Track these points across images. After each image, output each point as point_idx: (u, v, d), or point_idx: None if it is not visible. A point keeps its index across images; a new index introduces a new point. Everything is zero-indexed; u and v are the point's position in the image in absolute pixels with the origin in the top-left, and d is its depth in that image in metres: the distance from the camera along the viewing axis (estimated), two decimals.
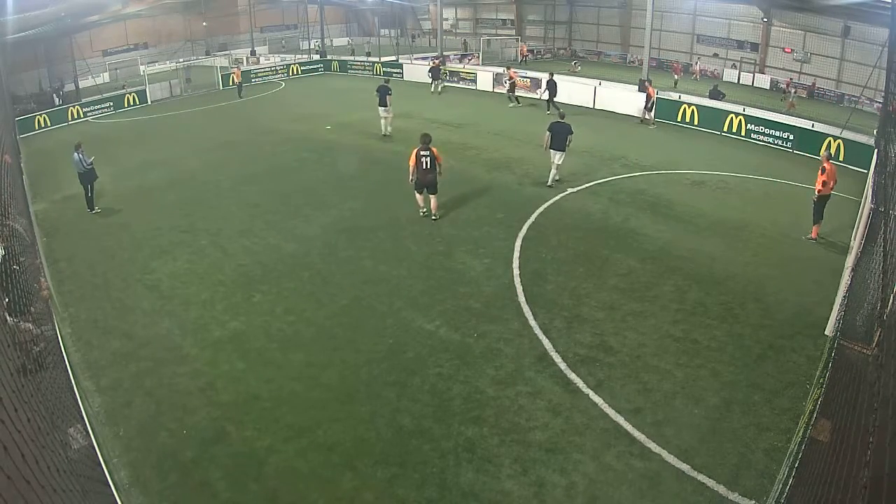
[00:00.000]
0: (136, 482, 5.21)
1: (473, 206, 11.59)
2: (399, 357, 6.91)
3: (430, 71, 26.52)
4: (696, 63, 34.26)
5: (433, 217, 10.87)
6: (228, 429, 5.83)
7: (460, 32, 48.94)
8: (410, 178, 10.61)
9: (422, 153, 10.37)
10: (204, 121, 21.93)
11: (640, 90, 20.02)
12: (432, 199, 10.74)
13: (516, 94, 22.74)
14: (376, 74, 31.49)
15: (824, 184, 9.51)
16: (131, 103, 25.47)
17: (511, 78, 23.35)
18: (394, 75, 30.63)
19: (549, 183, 12.50)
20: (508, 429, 5.73)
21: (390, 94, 17.26)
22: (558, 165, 12.35)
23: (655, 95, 18.81)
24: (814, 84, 29.82)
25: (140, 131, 20.67)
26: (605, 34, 42.64)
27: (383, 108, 17.30)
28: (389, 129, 17.62)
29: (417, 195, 10.84)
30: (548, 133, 12.10)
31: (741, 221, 10.63)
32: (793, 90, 22.72)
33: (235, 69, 28.92)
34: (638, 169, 13.89)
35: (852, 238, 7.32)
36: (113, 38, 40.11)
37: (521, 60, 36.51)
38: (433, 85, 25.86)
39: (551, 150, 12.17)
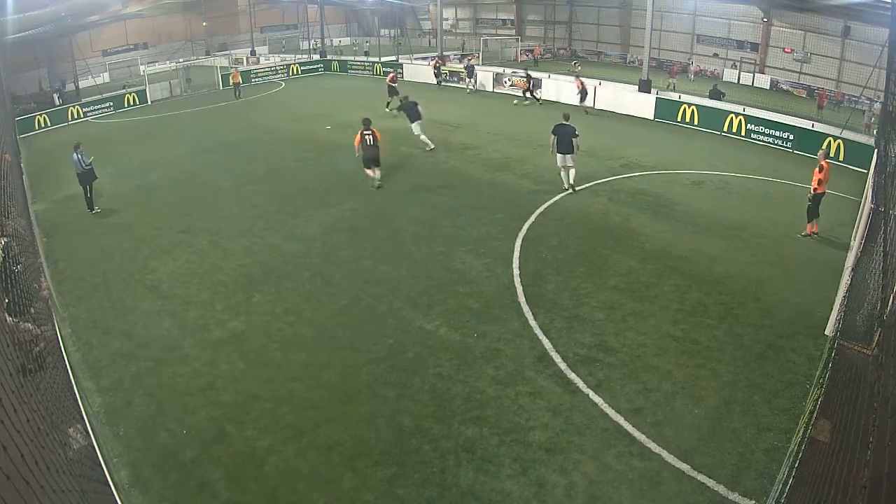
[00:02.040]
0: (136, 482, 5.21)
1: (473, 206, 11.59)
2: (399, 357, 6.91)
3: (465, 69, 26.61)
4: (692, 63, 34.54)
5: (378, 184, 12.70)
6: (228, 429, 5.83)
7: (460, 32, 48.96)
8: (357, 153, 12.55)
9: (365, 133, 12.41)
10: (204, 121, 21.93)
11: (641, 90, 20.06)
12: (377, 170, 12.73)
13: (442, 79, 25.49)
14: (376, 74, 31.51)
15: (820, 182, 9.58)
16: (131, 103, 25.49)
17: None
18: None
19: (566, 186, 12.16)
20: (508, 429, 5.73)
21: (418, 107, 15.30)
22: (571, 168, 11.97)
23: (582, 86, 20.64)
24: (839, 92, 26.77)
25: (140, 131, 20.67)
26: (605, 34, 42.64)
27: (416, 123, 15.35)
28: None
29: (367, 171, 12.74)
30: (553, 136, 11.86)
31: (741, 221, 10.62)
32: (870, 111, 19.39)
33: (234, 70, 28.88)
34: (638, 169, 13.89)
35: (852, 238, 7.32)
36: (113, 38, 40.14)
37: (534, 60, 37.97)
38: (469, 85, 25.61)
39: (559, 154, 11.92)
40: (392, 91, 21.32)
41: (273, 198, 12.45)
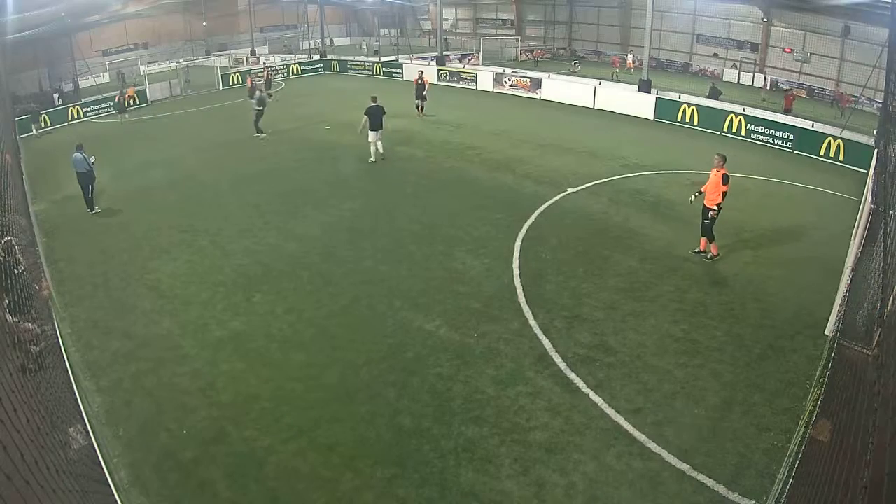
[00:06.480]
0: (136, 482, 5.21)
1: (473, 206, 11.59)
2: (399, 357, 6.91)
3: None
4: (630, 55, 35.78)
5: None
6: (228, 429, 5.83)
7: (460, 32, 48.96)
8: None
9: (127, 93, 18.18)
10: (204, 121, 21.93)
11: (641, 90, 20.05)
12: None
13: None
14: (376, 74, 31.51)
15: (725, 194, 8.72)
16: (131, 103, 25.42)
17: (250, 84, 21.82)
18: (394, 75, 30.69)
19: (373, 159, 14.26)
20: (508, 429, 5.73)
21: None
22: (380, 141, 14.15)
23: (250, 85, 21.46)
24: (848, 97, 24.98)
25: (140, 131, 20.67)
26: (605, 34, 42.64)
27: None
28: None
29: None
30: (365, 116, 13.74)
31: (741, 221, 10.61)
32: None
33: (129, 87, 26.12)
34: (638, 169, 13.88)
35: (852, 238, 7.32)
36: (113, 38, 40.08)
37: (534, 61, 38.77)
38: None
39: (371, 132, 13.92)
40: (252, 92, 21.57)
41: (273, 198, 12.45)
